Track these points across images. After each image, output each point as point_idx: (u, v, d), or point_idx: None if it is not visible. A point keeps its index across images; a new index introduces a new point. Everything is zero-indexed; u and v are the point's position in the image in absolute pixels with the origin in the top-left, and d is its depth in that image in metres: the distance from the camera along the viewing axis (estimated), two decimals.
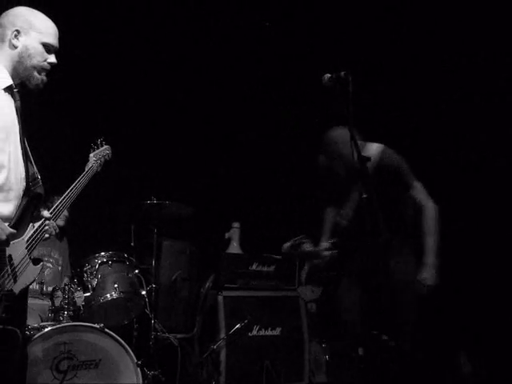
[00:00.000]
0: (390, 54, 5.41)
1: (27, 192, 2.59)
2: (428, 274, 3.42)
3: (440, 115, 5.22)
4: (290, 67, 5.90)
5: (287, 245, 4.00)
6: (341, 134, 3.52)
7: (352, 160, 3.15)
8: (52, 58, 2.67)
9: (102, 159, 3.24)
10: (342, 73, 3.23)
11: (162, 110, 5.73)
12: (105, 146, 3.34)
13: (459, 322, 4.93)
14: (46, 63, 2.64)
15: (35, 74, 2.63)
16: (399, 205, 3.62)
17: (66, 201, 2.85)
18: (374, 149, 3.59)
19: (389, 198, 3.44)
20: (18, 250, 2.51)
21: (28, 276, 2.56)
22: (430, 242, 3.45)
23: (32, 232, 2.60)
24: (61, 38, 2.69)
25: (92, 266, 3.79)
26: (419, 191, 3.55)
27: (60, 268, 4.58)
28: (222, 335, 5.14)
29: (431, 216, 3.49)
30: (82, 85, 5.18)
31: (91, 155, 3.21)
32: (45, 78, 2.67)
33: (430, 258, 3.43)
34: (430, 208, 3.51)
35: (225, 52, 5.87)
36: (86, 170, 3.10)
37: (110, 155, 3.33)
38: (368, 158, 2.92)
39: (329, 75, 3.28)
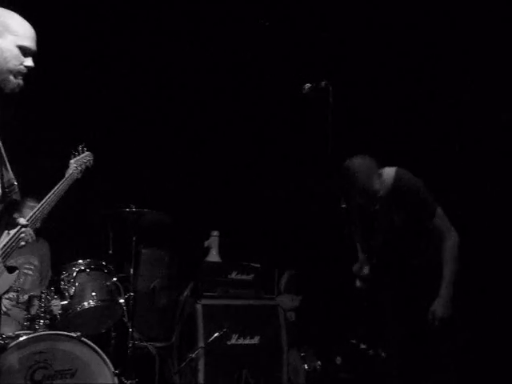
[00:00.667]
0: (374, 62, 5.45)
1: (2, 198, 2.54)
2: (439, 306, 3.29)
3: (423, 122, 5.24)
4: (270, 75, 5.92)
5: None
6: (360, 163, 3.42)
7: (372, 190, 3.16)
8: (29, 62, 2.57)
9: (83, 166, 3.21)
10: (323, 83, 3.24)
11: (142, 118, 5.72)
12: (86, 153, 3.31)
13: None
14: (22, 67, 2.55)
15: (11, 77, 2.53)
16: (421, 232, 3.48)
17: (44, 207, 2.82)
18: (389, 173, 3.45)
19: (409, 226, 3.41)
20: None
21: (3, 285, 2.51)
22: (448, 272, 3.32)
23: (7, 239, 2.56)
24: (39, 41, 2.60)
25: (69, 274, 3.74)
26: (440, 218, 3.41)
27: (39, 274, 4.53)
28: (201, 344, 5.12)
29: (451, 245, 3.36)
30: (61, 89, 5.15)
31: (72, 161, 3.18)
32: (21, 82, 2.58)
33: (444, 290, 3.30)
34: (450, 237, 3.38)
35: (198, 60, 5.87)
36: (66, 176, 3.06)
37: (91, 162, 3.29)
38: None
39: (309, 85, 3.30)
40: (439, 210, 3.41)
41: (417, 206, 3.39)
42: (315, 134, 3.68)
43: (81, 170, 3.17)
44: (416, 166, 5.07)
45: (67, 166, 3.16)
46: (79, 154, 3.26)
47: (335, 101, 3.19)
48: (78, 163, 3.17)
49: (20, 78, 2.58)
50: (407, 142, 5.28)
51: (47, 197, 2.85)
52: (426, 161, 5.02)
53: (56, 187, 2.91)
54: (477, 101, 4.81)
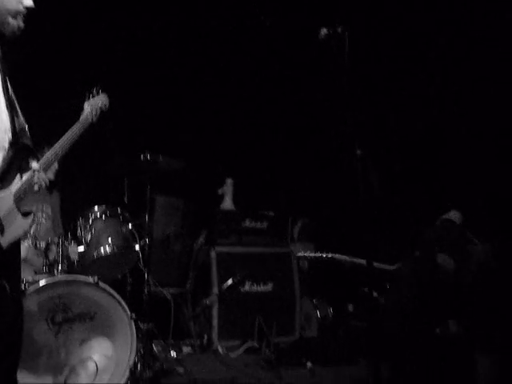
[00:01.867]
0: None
1: (14, 144, 2.52)
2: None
3: None
4: (286, 19, 5.80)
5: None
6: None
7: None
8: (28, 1, 2.50)
9: (98, 110, 3.09)
10: (339, 28, 3.16)
11: (158, 65, 5.65)
12: (101, 95, 3.20)
13: None
14: (20, 6, 2.48)
15: (10, 19, 2.47)
16: None
17: (58, 151, 2.76)
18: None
19: None
20: (3, 201, 2.47)
21: (17, 229, 2.52)
22: None
23: (20, 184, 2.55)
24: None
25: (86, 221, 3.77)
26: None
27: (52, 223, 4.57)
28: (215, 290, 5.20)
29: None
30: (75, 32, 5.08)
31: (85, 104, 3.09)
32: (21, 23, 2.51)
33: None
34: None
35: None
36: (80, 120, 3.00)
37: (106, 106, 3.18)
38: None
39: (325, 30, 3.21)
40: None
41: None
42: (330, 80, 3.62)
43: (95, 114, 3.06)
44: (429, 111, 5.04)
45: (81, 110, 3.07)
46: (93, 97, 3.17)
47: (351, 47, 3.13)
48: (92, 107, 3.07)
49: (20, 18, 2.51)
50: (421, 89, 5.22)
51: (60, 140, 2.78)
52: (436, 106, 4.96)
53: (69, 131, 2.84)
54: None
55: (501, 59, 4.85)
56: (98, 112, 3.08)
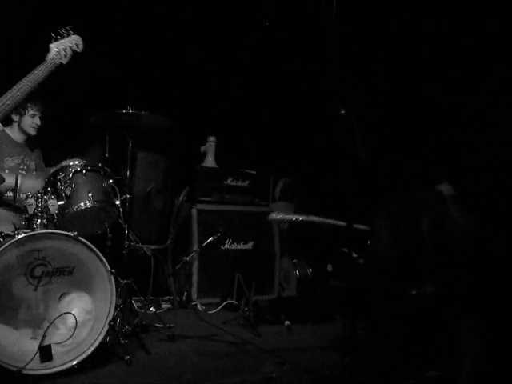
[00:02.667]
0: None
1: None
2: None
3: None
4: None
5: None
6: None
7: None
8: None
9: (68, 50, 2.97)
10: None
11: (145, 18, 5.53)
12: (72, 36, 3.09)
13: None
14: None
15: None
16: None
17: (15, 95, 2.64)
18: None
19: None
20: None
21: None
22: None
23: None
24: None
25: (66, 175, 3.72)
26: None
27: (34, 177, 4.53)
28: (195, 247, 5.23)
29: None
30: None
31: (52, 45, 2.96)
32: None
33: None
34: None
35: None
36: (46, 60, 2.88)
37: (79, 46, 3.05)
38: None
39: None
40: None
41: None
42: (316, 37, 3.56)
43: (65, 55, 2.95)
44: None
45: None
46: (63, 38, 3.05)
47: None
48: (60, 47, 2.95)
49: None
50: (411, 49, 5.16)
51: (19, 83, 2.68)
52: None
53: (30, 74, 2.74)
54: None
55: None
56: (69, 53, 2.97)
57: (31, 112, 4.38)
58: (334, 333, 4.21)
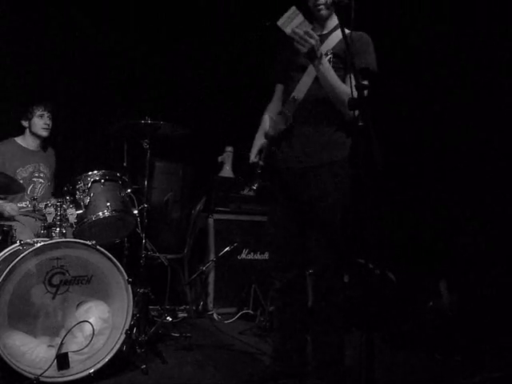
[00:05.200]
0: None
1: None
2: None
3: None
4: None
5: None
6: None
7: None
8: None
9: None
10: None
11: (161, 29, 5.59)
12: None
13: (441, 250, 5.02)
14: None
15: None
16: None
17: None
18: None
19: None
20: None
21: None
22: None
23: None
24: None
25: (85, 184, 3.74)
26: None
27: (50, 183, 4.57)
28: (212, 257, 5.23)
29: None
30: None
31: None
32: None
33: None
34: None
35: None
36: None
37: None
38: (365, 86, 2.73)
39: None
40: None
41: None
42: None
43: None
44: None
45: None
46: None
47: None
48: None
49: None
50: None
51: None
52: None
53: None
54: None
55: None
56: None
57: (38, 113, 4.40)
58: (350, 343, 4.19)
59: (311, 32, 2.85)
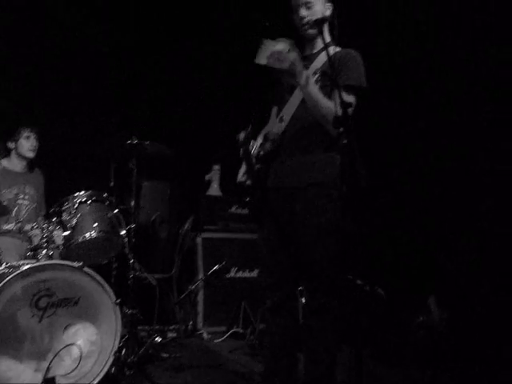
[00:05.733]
0: None
1: None
2: None
3: None
4: None
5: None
6: None
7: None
8: None
9: None
10: None
11: (147, 51, 5.61)
12: None
13: (430, 266, 5.03)
14: None
15: None
16: None
17: None
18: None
19: None
20: None
21: None
22: None
23: None
24: None
25: (71, 205, 3.73)
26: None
27: (35, 204, 4.54)
28: (200, 276, 5.21)
29: None
30: None
31: None
32: None
33: None
34: None
35: None
36: None
37: None
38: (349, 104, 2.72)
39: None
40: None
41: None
42: None
43: None
44: None
45: None
46: None
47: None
48: None
49: None
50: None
51: None
52: None
53: None
54: None
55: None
56: None
57: (25, 134, 4.43)
58: (340, 360, 4.17)
59: (288, 47, 2.83)
